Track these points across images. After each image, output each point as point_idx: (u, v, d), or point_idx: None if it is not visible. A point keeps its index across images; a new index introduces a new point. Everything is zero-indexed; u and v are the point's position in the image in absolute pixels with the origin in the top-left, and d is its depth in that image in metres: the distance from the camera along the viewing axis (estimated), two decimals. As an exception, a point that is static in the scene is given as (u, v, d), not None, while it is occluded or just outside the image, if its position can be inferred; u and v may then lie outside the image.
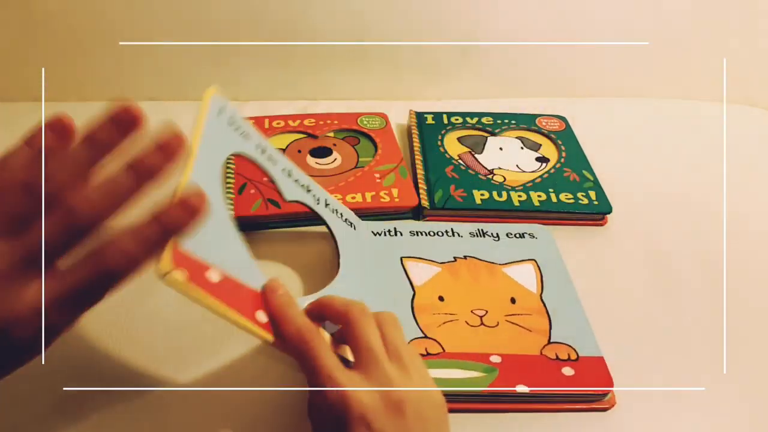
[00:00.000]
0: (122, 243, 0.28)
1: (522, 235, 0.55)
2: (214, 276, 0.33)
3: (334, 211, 0.51)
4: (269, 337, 0.34)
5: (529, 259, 0.52)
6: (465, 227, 0.55)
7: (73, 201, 0.28)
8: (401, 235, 0.54)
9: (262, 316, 0.35)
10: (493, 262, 0.52)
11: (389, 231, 0.54)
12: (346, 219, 0.52)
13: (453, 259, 0.51)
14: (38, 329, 0.28)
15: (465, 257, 0.52)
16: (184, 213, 0.30)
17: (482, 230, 0.55)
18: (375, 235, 0.53)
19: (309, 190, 0.50)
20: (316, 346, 0.34)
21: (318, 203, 0.50)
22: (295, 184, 0.48)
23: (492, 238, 0.54)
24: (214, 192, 0.37)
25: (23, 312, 0.27)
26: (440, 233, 0.54)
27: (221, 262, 0.34)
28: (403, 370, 0.34)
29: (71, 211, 0.28)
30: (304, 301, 0.38)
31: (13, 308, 0.27)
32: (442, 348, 0.44)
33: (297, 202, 0.48)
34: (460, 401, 0.41)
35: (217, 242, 0.35)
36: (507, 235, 0.55)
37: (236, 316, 0.33)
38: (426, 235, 0.54)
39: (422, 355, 0.43)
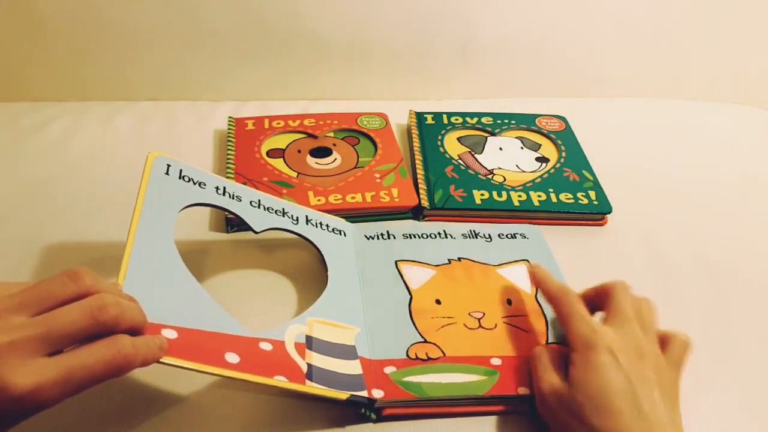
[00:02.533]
0: (126, 345, 0.31)
1: (513, 236, 0.55)
2: (170, 334, 0.35)
3: (318, 225, 0.51)
4: (238, 375, 0.35)
5: (521, 260, 0.52)
6: (458, 228, 0.55)
7: (107, 300, 0.31)
8: (394, 238, 0.53)
9: (232, 357, 0.36)
10: (486, 263, 0.52)
11: (382, 234, 0.53)
12: (333, 229, 0.52)
13: (447, 261, 0.51)
14: (36, 405, 0.29)
15: (459, 259, 0.52)
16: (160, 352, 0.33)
17: (474, 231, 0.55)
18: (368, 239, 0.53)
19: (284, 213, 0.50)
20: (573, 299, 0.41)
21: (296, 223, 0.50)
22: (266, 213, 0.49)
23: (484, 239, 0.54)
24: (166, 247, 0.40)
25: (15, 386, 0.28)
26: (433, 235, 0.54)
27: (178, 315, 0.36)
28: (650, 336, 0.39)
29: (102, 309, 0.31)
30: (294, 324, 0.41)
31: (8, 380, 0.28)
32: (443, 352, 0.43)
33: (269, 229, 0.48)
34: (461, 404, 0.41)
35: (171, 298, 0.37)
36: (499, 236, 0.54)
37: (201, 367, 0.34)
38: (419, 237, 0.54)
39: (422, 359, 0.43)
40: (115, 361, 0.30)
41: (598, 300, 0.42)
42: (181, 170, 0.45)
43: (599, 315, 0.42)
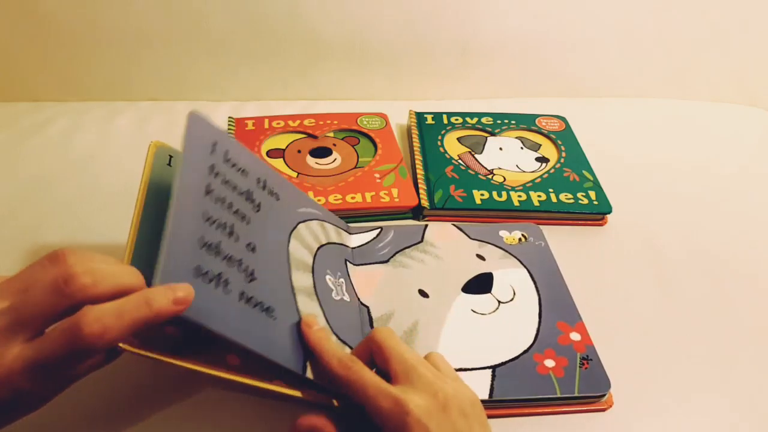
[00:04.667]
0: (102, 314, 0.28)
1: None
2: (171, 332, 0.34)
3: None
4: (237, 378, 0.34)
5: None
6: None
7: (74, 270, 0.28)
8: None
9: (233, 359, 0.35)
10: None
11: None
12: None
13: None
14: (13, 393, 0.28)
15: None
16: (174, 306, 0.30)
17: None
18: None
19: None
20: (359, 369, 0.36)
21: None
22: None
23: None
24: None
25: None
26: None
27: None
28: (435, 374, 0.36)
29: (68, 280, 0.28)
30: None
31: None
32: None
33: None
34: None
35: None
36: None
37: (202, 368, 0.33)
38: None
39: None
40: (76, 338, 0.27)
41: (364, 352, 0.38)
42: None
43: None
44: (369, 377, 0.35)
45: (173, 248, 0.32)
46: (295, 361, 0.37)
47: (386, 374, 0.36)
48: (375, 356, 0.38)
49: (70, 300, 0.28)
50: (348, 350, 0.41)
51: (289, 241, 0.43)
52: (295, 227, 0.45)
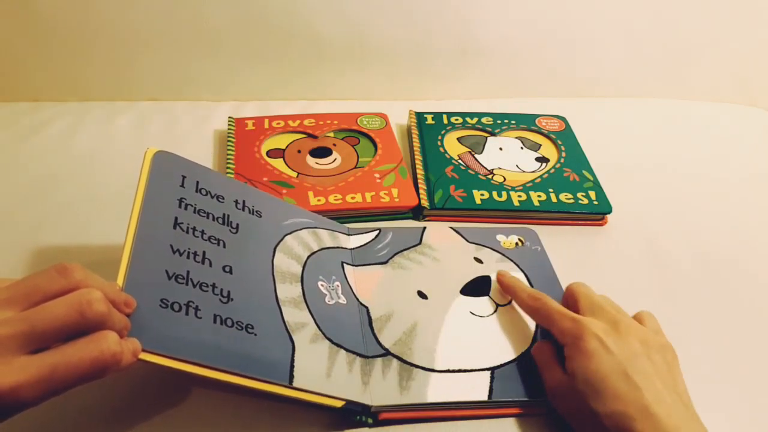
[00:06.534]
0: (118, 340, 0.30)
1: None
2: None
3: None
4: (231, 379, 0.35)
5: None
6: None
7: (94, 296, 0.30)
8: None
9: None
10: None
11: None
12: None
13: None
14: (14, 402, 0.28)
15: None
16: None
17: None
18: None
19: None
20: (546, 300, 0.43)
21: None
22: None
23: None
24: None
25: None
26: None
27: None
28: (622, 313, 0.42)
29: (89, 304, 0.29)
30: None
31: None
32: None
33: None
34: (461, 408, 0.41)
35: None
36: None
37: (194, 369, 0.33)
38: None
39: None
40: (101, 358, 0.29)
41: (569, 303, 0.44)
42: (197, 182, 0.44)
43: None
44: (554, 305, 0.42)
45: (133, 288, 0.34)
46: (280, 372, 0.37)
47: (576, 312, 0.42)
48: (568, 302, 0.44)
49: (88, 324, 0.29)
50: (343, 352, 0.41)
51: (274, 255, 0.45)
52: (281, 240, 0.46)
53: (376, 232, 0.54)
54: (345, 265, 0.49)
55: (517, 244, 0.54)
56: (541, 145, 0.68)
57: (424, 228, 0.55)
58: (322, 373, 0.39)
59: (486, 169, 0.63)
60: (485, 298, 0.48)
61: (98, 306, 0.29)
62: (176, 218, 0.40)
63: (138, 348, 0.31)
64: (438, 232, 0.55)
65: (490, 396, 0.41)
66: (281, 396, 0.37)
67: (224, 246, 0.42)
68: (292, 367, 0.38)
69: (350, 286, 0.48)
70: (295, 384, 0.37)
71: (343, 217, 0.56)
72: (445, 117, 0.70)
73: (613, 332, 0.39)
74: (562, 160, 0.65)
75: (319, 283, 0.46)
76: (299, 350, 0.39)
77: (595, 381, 0.37)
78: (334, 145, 0.65)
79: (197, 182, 0.44)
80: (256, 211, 0.47)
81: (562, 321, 0.41)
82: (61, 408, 0.39)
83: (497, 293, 0.49)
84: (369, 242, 0.53)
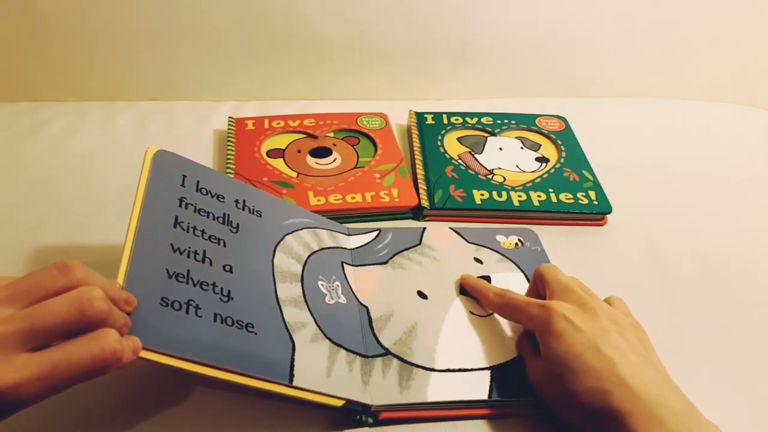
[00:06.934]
0: (119, 338, 0.30)
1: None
2: None
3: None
4: (231, 378, 0.35)
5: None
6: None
7: (95, 293, 0.30)
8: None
9: None
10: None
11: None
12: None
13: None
14: (15, 400, 0.28)
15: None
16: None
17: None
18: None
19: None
20: (512, 295, 0.43)
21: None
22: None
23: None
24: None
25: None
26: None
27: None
28: (592, 295, 0.42)
29: (90, 301, 0.29)
30: None
31: None
32: None
33: None
34: (461, 407, 0.41)
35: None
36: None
37: (194, 368, 0.33)
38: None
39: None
40: (102, 356, 0.29)
41: (537, 290, 0.45)
42: (198, 182, 0.44)
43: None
44: (519, 297, 0.43)
45: (134, 287, 0.34)
46: (280, 371, 0.37)
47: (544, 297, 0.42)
48: (538, 284, 0.44)
49: (89, 322, 0.29)
50: (343, 352, 0.42)
51: (274, 255, 0.45)
52: (282, 240, 0.46)
53: (376, 233, 0.54)
54: (345, 265, 0.49)
55: (516, 244, 0.54)
56: (541, 145, 0.68)
57: (424, 228, 0.55)
58: (322, 373, 0.39)
59: (486, 169, 0.63)
60: None
61: (99, 304, 0.29)
62: (176, 217, 0.40)
63: (138, 346, 0.31)
64: (438, 233, 0.55)
65: (490, 395, 0.41)
66: (281, 395, 0.37)
67: (224, 245, 0.42)
68: (292, 366, 0.38)
69: (350, 286, 0.48)
70: (296, 383, 0.37)
71: (343, 217, 0.56)
72: (445, 117, 0.70)
73: (580, 311, 0.39)
74: (562, 160, 0.65)
75: (319, 282, 0.46)
76: (299, 350, 0.39)
77: (568, 360, 0.37)
78: (334, 145, 0.65)
79: (197, 181, 0.44)
80: (257, 211, 0.47)
81: (529, 309, 0.41)
82: (61, 407, 0.39)
83: None
84: (369, 242, 0.53)
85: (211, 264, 0.40)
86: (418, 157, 0.64)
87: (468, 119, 0.70)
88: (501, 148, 0.67)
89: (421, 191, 0.59)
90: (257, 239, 0.45)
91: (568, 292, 0.41)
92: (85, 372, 0.29)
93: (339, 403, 0.38)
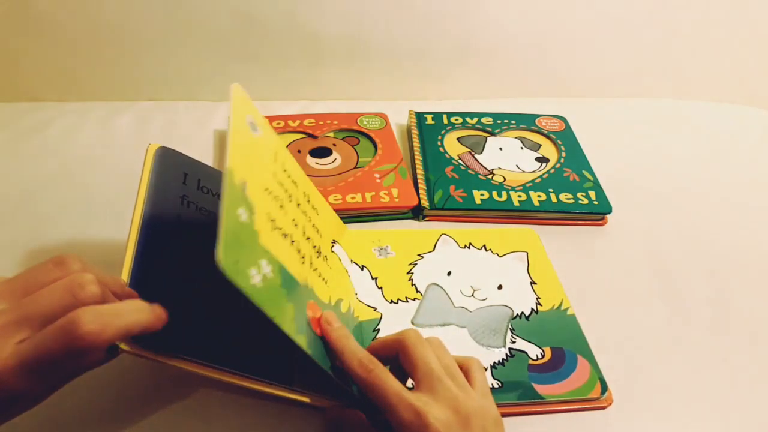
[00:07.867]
0: (100, 313, 0.28)
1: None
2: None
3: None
4: (229, 379, 0.35)
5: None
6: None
7: (86, 278, 0.29)
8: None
9: None
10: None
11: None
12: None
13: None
14: (6, 392, 0.27)
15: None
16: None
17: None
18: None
19: None
20: (380, 373, 0.35)
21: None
22: None
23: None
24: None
25: None
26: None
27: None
28: (462, 387, 0.36)
29: (82, 286, 0.29)
30: None
31: None
32: None
33: None
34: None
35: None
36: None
37: (193, 367, 0.34)
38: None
39: None
40: (66, 336, 0.27)
41: (391, 352, 0.38)
42: (199, 180, 0.44)
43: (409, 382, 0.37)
44: (390, 383, 0.34)
45: (137, 285, 0.34)
46: (281, 373, 0.37)
47: (409, 376, 0.36)
48: (401, 358, 0.37)
49: (83, 305, 0.28)
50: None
51: None
52: None
53: None
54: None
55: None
56: (541, 145, 0.68)
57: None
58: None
59: (486, 169, 0.63)
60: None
61: (90, 287, 0.29)
62: (179, 216, 0.40)
63: (161, 312, 0.31)
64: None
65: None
66: (282, 397, 0.37)
67: None
68: (292, 368, 0.38)
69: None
70: (296, 386, 0.37)
71: (343, 217, 0.56)
72: (445, 117, 0.70)
73: (456, 427, 0.33)
74: (562, 160, 0.65)
75: None
76: (299, 352, 0.39)
77: None
78: (334, 145, 0.65)
79: (199, 180, 0.44)
80: None
81: (400, 410, 0.33)
82: (61, 407, 0.39)
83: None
84: None
85: None
86: (418, 157, 0.64)
87: (468, 119, 0.70)
88: (501, 148, 0.67)
89: (421, 191, 0.59)
90: None
91: (438, 383, 0.35)
92: (63, 354, 0.27)
93: (328, 403, 0.38)
